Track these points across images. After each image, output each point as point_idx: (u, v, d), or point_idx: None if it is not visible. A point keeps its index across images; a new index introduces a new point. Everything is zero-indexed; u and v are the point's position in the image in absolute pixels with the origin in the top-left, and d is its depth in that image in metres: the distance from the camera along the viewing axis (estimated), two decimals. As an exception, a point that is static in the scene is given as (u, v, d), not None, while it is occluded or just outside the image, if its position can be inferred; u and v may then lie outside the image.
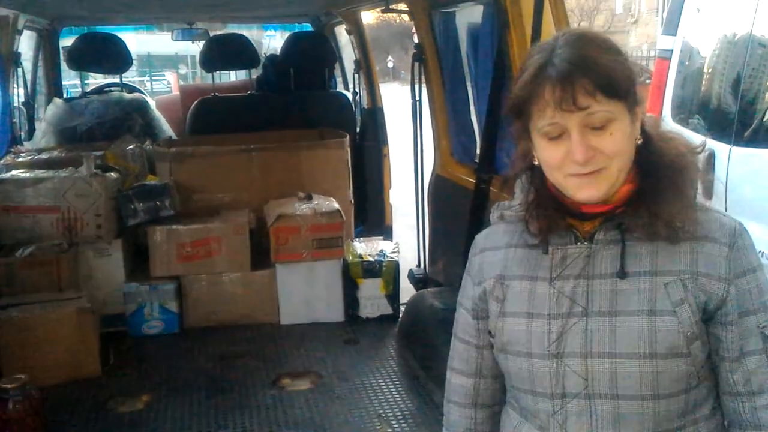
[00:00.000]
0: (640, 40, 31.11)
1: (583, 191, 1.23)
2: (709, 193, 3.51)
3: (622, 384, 1.21)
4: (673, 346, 1.20)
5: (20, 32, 4.55)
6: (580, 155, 1.19)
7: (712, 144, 3.59)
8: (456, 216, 3.56)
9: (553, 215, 1.29)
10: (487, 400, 1.44)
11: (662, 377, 1.21)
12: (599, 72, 1.17)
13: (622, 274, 1.23)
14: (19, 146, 4.54)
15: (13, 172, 3.96)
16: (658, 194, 1.24)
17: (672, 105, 4.17)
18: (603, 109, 1.18)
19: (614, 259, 1.25)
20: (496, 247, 1.37)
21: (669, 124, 3.55)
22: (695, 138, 1.49)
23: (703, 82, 4.02)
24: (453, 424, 1.48)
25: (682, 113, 4.08)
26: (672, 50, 4.22)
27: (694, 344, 1.22)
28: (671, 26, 4.32)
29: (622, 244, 1.25)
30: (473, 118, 3.75)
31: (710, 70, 3.96)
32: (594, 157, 1.20)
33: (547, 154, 1.24)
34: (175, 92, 10.15)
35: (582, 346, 1.24)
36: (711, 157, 3.55)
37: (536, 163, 1.29)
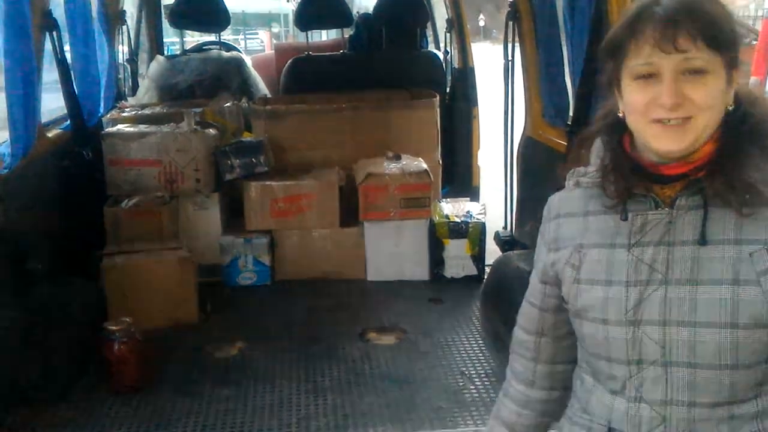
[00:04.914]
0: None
1: (664, 141, 1.20)
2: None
3: (701, 353, 1.20)
4: (756, 316, 1.17)
5: (125, -9, 4.74)
6: (668, 99, 1.16)
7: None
8: (545, 179, 3.49)
9: (630, 177, 1.26)
10: (547, 357, 1.47)
11: (742, 348, 1.18)
12: (705, 19, 1.16)
13: (703, 241, 1.20)
14: (123, 101, 4.76)
15: (119, 126, 4.16)
16: (739, 158, 1.19)
17: (779, 68, 3.97)
18: (701, 56, 1.16)
19: (696, 226, 1.21)
20: (573, 214, 1.35)
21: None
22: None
23: (815, 44, 3.80)
24: (516, 371, 1.52)
25: (791, 77, 3.87)
26: (783, 9, 4.00)
27: None
28: (782, -16, 4.08)
29: (704, 210, 1.21)
30: (567, 79, 3.67)
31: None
32: (683, 105, 1.17)
33: (634, 97, 1.21)
34: (269, 51, 10.29)
35: (660, 314, 1.22)
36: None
37: (620, 114, 1.27)
